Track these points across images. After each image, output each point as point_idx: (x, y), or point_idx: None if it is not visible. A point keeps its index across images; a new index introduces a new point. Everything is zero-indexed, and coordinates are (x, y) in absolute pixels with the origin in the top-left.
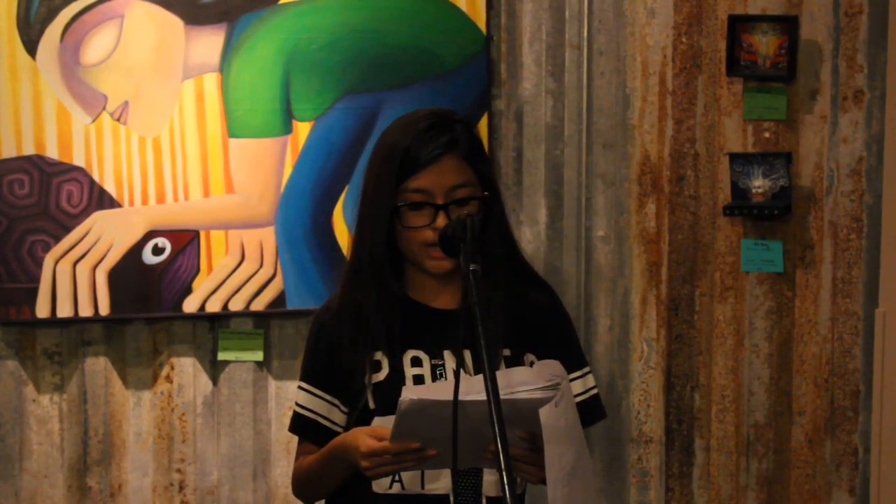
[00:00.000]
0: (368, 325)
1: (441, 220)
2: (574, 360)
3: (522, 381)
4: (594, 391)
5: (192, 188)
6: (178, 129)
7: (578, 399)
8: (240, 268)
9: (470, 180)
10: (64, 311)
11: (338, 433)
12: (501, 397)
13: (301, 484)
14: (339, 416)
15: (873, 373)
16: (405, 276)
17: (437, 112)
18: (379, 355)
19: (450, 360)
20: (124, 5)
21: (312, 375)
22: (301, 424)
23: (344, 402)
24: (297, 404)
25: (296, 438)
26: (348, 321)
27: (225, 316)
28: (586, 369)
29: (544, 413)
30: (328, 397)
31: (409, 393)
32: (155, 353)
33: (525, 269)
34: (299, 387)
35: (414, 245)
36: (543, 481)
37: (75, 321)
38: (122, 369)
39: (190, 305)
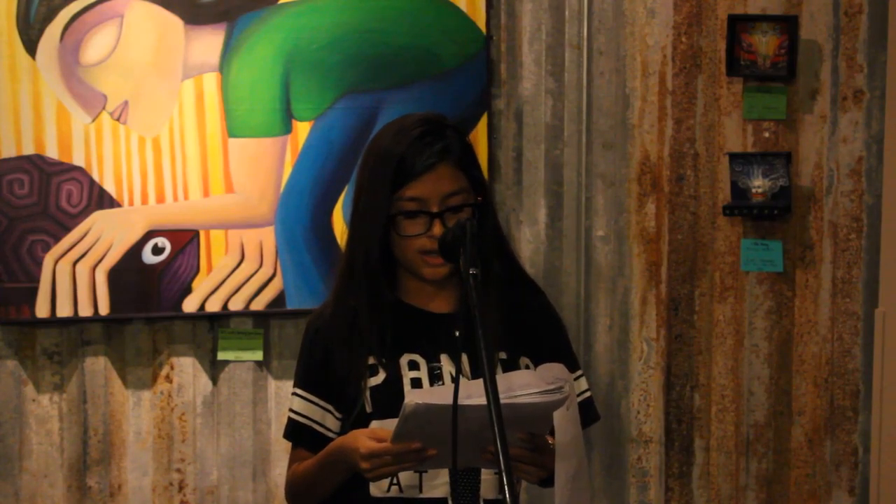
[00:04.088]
0: (362, 330)
1: (436, 228)
2: (567, 363)
3: (523, 385)
4: (587, 394)
5: (191, 188)
6: (178, 129)
7: None
8: (239, 267)
9: (464, 187)
10: (64, 310)
11: (331, 439)
12: (502, 401)
13: (296, 490)
14: (332, 422)
15: (873, 373)
16: (400, 281)
17: (429, 118)
18: (374, 360)
19: (447, 364)
20: (124, 5)
21: (307, 381)
22: (295, 430)
23: (338, 408)
24: (292, 410)
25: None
26: (342, 327)
27: (225, 316)
28: (579, 372)
29: (558, 417)
30: (322, 403)
31: (413, 397)
32: (155, 352)
33: (519, 272)
34: (294, 393)
35: (410, 253)
36: (542, 481)
37: (75, 321)
38: (121, 369)
39: (190, 305)
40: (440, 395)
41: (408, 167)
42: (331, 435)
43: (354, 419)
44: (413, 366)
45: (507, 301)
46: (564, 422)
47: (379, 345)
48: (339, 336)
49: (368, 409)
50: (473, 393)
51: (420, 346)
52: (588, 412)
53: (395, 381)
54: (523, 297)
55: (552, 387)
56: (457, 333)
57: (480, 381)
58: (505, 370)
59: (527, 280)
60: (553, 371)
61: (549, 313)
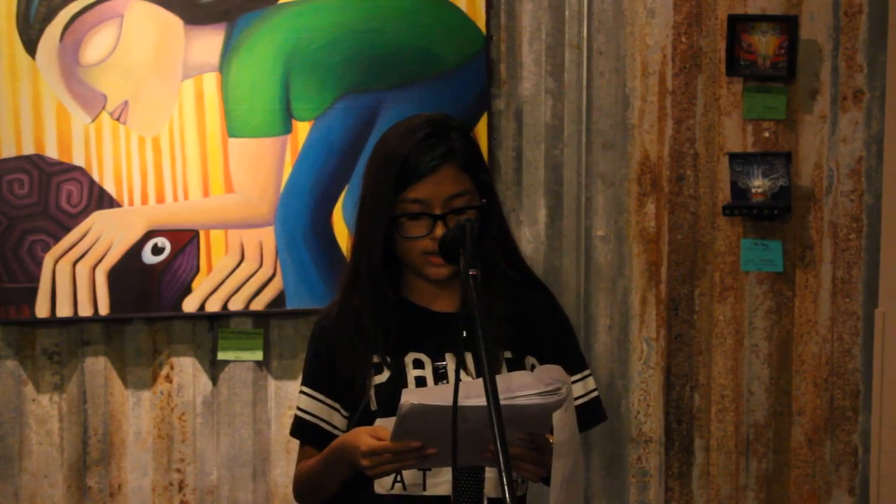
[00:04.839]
0: (366, 329)
1: (439, 230)
2: (574, 363)
3: (522, 386)
4: (594, 394)
5: (191, 188)
6: (178, 129)
7: (579, 402)
8: (239, 267)
9: (468, 189)
10: (63, 310)
11: (337, 437)
12: (501, 402)
13: (302, 487)
14: (339, 420)
15: (873, 373)
16: (405, 281)
17: (435, 120)
18: (378, 358)
19: (451, 363)
20: (124, 5)
21: (313, 379)
22: (302, 428)
23: (344, 406)
24: (299, 408)
25: (295, 439)
26: (348, 326)
27: (224, 316)
28: (586, 372)
29: (556, 418)
30: (329, 401)
31: (410, 397)
32: (154, 352)
33: (525, 272)
34: (301, 391)
35: (413, 254)
36: (543, 479)
37: (75, 321)
38: (121, 369)
39: (189, 305)
40: (437, 395)
41: (411, 169)
42: (337, 433)
43: (360, 417)
44: (418, 364)
45: (514, 300)
46: (562, 423)
47: (383, 343)
48: (344, 335)
49: (373, 407)
50: (472, 393)
51: (425, 344)
52: (596, 412)
53: (399, 379)
54: (529, 297)
55: (550, 388)
56: (464, 333)
57: (479, 381)
58: (510, 369)
59: (534, 281)
60: (551, 373)
61: (555, 313)
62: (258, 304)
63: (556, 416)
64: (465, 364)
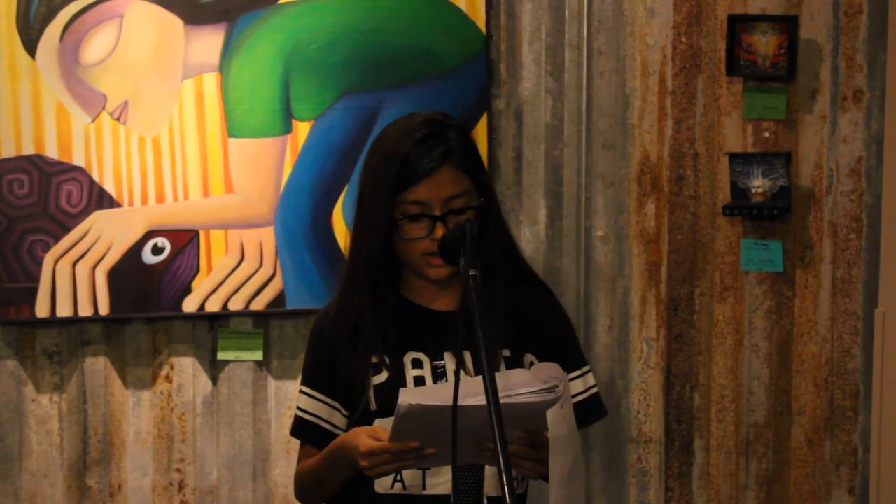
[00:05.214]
0: (365, 329)
1: (439, 231)
2: (573, 359)
3: (520, 383)
4: (594, 390)
5: (191, 188)
6: (178, 129)
7: (579, 398)
8: (239, 267)
9: (466, 189)
10: (63, 310)
11: (338, 436)
12: (500, 401)
13: (303, 487)
14: (339, 420)
15: (873, 373)
16: (404, 280)
17: (433, 119)
18: (377, 358)
19: (450, 362)
20: (124, 5)
21: (313, 379)
22: (302, 428)
23: (344, 406)
24: (299, 408)
25: (295, 439)
26: (346, 325)
27: (224, 316)
28: (586, 368)
29: (551, 416)
30: (329, 400)
31: (407, 397)
32: (154, 352)
33: (525, 271)
34: (300, 391)
35: (413, 255)
36: (543, 477)
37: (75, 321)
38: (121, 369)
39: (189, 305)
40: (434, 394)
41: (410, 170)
42: (338, 432)
43: (359, 417)
44: (417, 364)
45: (513, 299)
46: (558, 420)
47: (382, 343)
48: (343, 335)
49: (373, 407)
50: (469, 392)
51: (424, 344)
52: (596, 408)
53: (398, 379)
54: (529, 295)
55: (547, 386)
56: (462, 333)
57: (475, 379)
58: (509, 367)
59: (534, 279)
60: (548, 370)
61: (555, 311)
62: (258, 304)
63: (551, 414)
64: (464, 363)
